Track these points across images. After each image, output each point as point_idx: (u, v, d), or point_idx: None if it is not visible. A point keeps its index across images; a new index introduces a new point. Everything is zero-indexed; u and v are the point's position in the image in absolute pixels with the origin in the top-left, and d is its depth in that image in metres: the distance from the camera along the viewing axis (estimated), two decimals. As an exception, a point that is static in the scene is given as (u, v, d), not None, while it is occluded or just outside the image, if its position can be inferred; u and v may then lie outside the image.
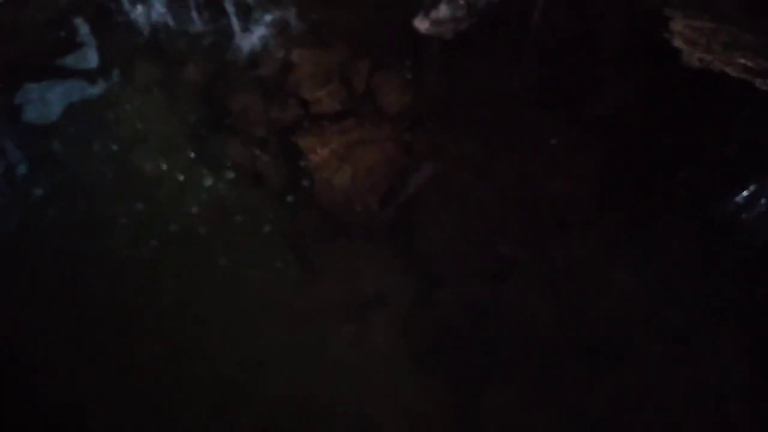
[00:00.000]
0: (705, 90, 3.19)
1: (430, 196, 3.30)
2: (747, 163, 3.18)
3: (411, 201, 3.31)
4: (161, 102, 3.69)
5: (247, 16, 3.87)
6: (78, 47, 3.88)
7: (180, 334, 2.98)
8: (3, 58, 3.79)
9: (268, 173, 3.44)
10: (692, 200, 3.22)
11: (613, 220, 3.20)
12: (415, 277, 3.14)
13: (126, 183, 3.42)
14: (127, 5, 3.94)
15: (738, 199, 3.18)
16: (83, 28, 3.90)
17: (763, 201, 3.13)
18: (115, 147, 3.53)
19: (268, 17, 3.89)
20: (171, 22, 3.92)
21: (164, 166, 3.47)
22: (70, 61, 3.84)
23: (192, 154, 3.52)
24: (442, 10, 3.62)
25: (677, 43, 3.14)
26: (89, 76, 3.78)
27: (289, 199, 3.39)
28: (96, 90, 3.74)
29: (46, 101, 3.65)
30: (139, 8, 3.94)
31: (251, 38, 3.84)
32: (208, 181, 3.43)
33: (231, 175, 3.46)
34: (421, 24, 3.65)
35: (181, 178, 3.44)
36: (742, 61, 3.02)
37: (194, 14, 3.91)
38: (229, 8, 3.82)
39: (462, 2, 3.63)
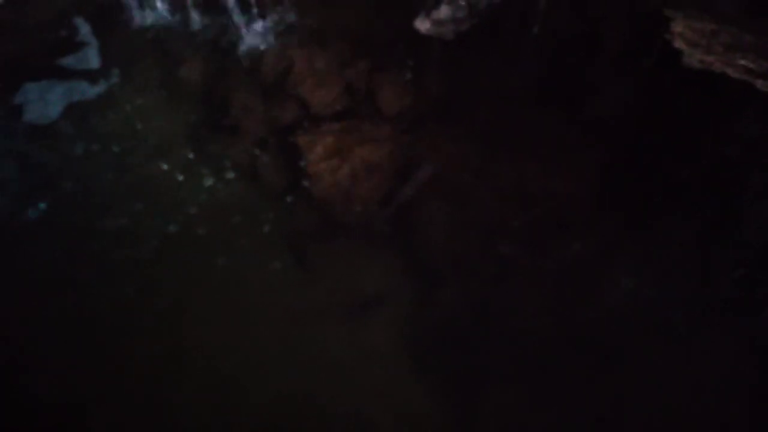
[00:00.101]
0: (705, 91, 3.18)
1: (430, 196, 3.29)
2: (747, 163, 3.18)
3: (411, 201, 3.30)
4: (161, 102, 3.70)
5: (247, 16, 3.87)
6: (78, 47, 3.89)
7: (178, 335, 2.97)
8: (3, 58, 3.79)
9: (268, 173, 3.44)
10: (692, 201, 3.21)
11: (612, 220, 3.19)
12: (414, 277, 3.14)
13: (125, 183, 3.42)
14: (127, 5, 3.95)
15: (738, 199, 3.17)
16: (83, 27, 3.91)
17: (763, 201, 3.12)
18: (114, 147, 3.54)
19: (268, 17, 3.90)
20: (171, 22, 3.93)
21: (164, 166, 3.47)
22: (70, 61, 3.84)
23: (191, 154, 3.52)
24: (443, 11, 3.62)
25: (678, 44, 3.13)
26: (89, 76, 3.79)
27: (289, 199, 3.39)
28: (96, 90, 3.74)
29: (46, 101, 3.65)
30: (140, 8, 3.95)
31: (251, 38, 3.85)
32: (208, 181, 3.43)
33: (230, 174, 3.46)
34: (422, 24, 3.65)
35: (181, 178, 3.44)
36: (743, 62, 3.02)
37: (194, 14, 3.91)
38: (230, 8, 3.82)
39: (463, 3, 3.63)
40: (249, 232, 3.28)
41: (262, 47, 3.81)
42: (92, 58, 3.83)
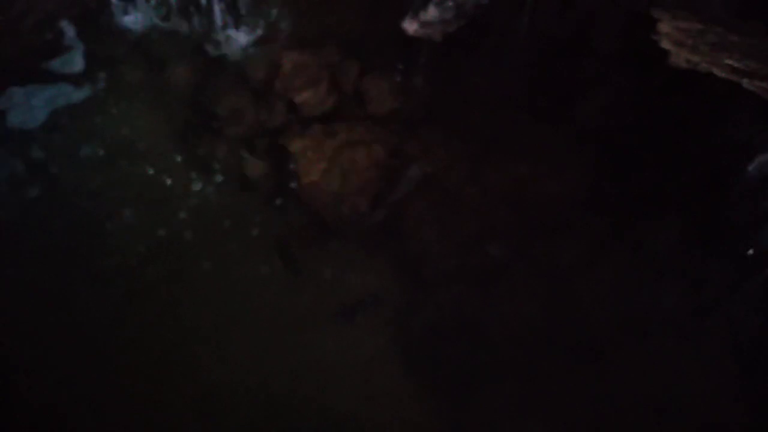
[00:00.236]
0: (692, 91, 3.20)
1: (420, 199, 3.29)
2: (733, 162, 3.20)
3: (400, 203, 3.30)
4: (148, 105, 3.67)
5: (235, 18, 3.85)
6: (64, 50, 3.85)
7: (169, 338, 2.96)
8: (-12, 62, 3.76)
9: (257, 176, 3.43)
10: (681, 201, 3.23)
11: (603, 221, 3.21)
12: (404, 280, 3.14)
13: (113, 187, 3.40)
14: (114, 8, 3.92)
15: (725, 198, 3.19)
16: (69, 31, 3.87)
17: (749, 200, 3.14)
18: (101, 151, 3.51)
19: (256, 19, 3.88)
20: (159, 25, 3.90)
21: (151, 170, 3.45)
22: (56, 64, 3.80)
23: (179, 158, 3.50)
24: (431, 12, 3.61)
25: (665, 44, 3.14)
26: (76, 79, 3.75)
27: (278, 201, 3.38)
28: (82, 93, 3.71)
29: (32, 105, 3.62)
30: (126, 11, 3.92)
31: (240, 40, 3.83)
32: (196, 185, 3.41)
33: (219, 178, 3.44)
34: (410, 26, 3.64)
35: (169, 181, 3.42)
36: (729, 61, 3.03)
37: (181, 16, 3.88)
38: (218, 10, 3.80)
39: (451, 4, 3.62)
40: (237, 235, 3.27)
41: (250, 49, 3.80)
42: (78, 62, 3.80)
